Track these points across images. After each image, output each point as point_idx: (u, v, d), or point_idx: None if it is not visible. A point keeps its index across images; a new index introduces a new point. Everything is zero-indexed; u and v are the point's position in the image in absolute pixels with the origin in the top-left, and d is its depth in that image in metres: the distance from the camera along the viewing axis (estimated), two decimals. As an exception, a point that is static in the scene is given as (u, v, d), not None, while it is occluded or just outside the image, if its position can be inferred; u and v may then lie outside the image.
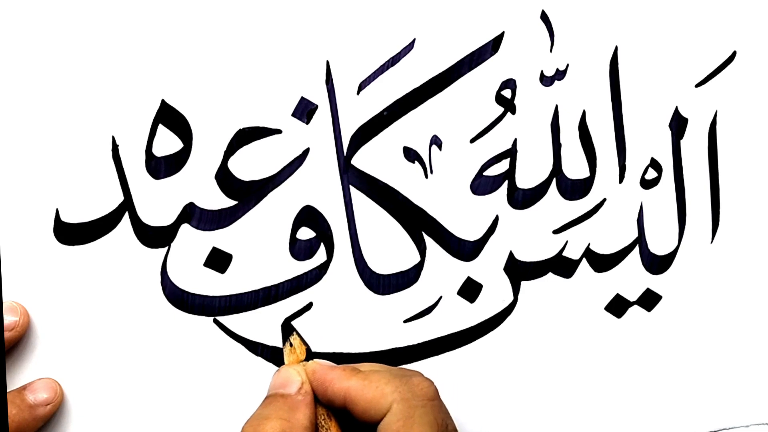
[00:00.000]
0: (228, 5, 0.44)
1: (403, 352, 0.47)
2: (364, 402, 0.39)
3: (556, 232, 0.48)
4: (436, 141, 0.46)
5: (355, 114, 0.45)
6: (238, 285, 0.45)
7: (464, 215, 0.47)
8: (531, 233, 0.48)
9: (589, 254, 0.49)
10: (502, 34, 0.46)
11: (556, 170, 0.48)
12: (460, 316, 0.47)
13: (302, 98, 0.45)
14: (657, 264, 0.50)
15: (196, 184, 0.44)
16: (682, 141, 0.49)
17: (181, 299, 0.44)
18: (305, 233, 0.45)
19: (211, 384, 0.45)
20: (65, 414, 0.44)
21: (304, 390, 0.41)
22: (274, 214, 0.45)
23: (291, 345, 0.44)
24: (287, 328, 0.45)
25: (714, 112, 0.50)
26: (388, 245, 0.46)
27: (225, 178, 0.44)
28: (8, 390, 0.42)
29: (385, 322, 0.46)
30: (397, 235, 0.46)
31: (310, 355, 0.44)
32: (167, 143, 0.44)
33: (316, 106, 0.45)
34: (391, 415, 0.38)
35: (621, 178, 0.49)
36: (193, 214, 0.44)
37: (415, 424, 0.38)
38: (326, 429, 0.41)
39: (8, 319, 0.42)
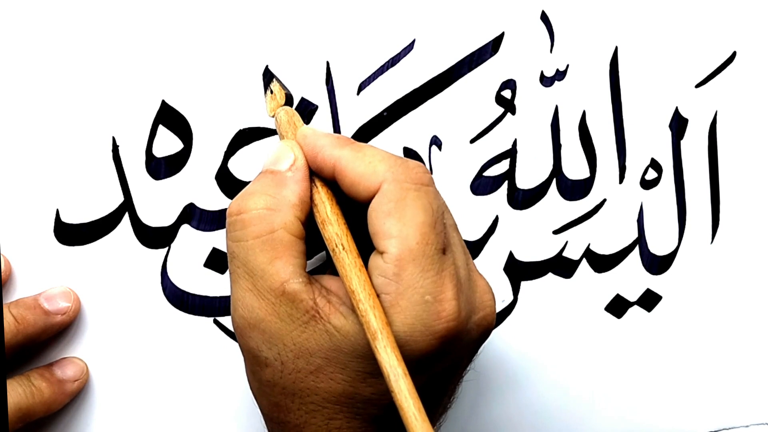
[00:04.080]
0: (228, 6, 0.44)
1: (403, 352, 0.47)
2: (354, 175, 0.36)
3: (556, 232, 0.48)
4: (436, 141, 0.46)
5: (355, 114, 0.45)
6: (238, 285, 0.45)
7: (464, 215, 0.47)
8: (531, 233, 0.48)
9: (589, 254, 0.49)
10: (502, 34, 0.46)
11: (556, 170, 0.48)
12: (460, 316, 0.47)
13: (302, 99, 0.45)
14: (657, 264, 0.50)
15: (196, 184, 0.44)
16: (682, 141, 0.49)
17: (181, 299, 0.44)
18: (305, 233, 0.45)
19: (211, 384, 0.45)
20: (65, 414, 0.44)
21: (295, 166, 0.37)
22: (274, 215, 0.45)
23: (271, 92, 0.42)
24: (267, 76, 0.43)
25: (714, 113, 0.50)
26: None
27: (225, 179, 0.44)
28: (37, 366, 0.43)
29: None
30: (397, 236, 0.46)
31: (290, 100, 0.41)
32: (167, 143, 0.44)
33: (317, 107, 0.45)
34: (382, 196, 0.35)
35: (621, 179, 0.49)
36: (193, 215, 0.44)
37: (407, 206, 0.35)
38: (320, 205, 0.37)
39: (61, 304, 0.42)
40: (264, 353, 0.36)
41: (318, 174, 0.37)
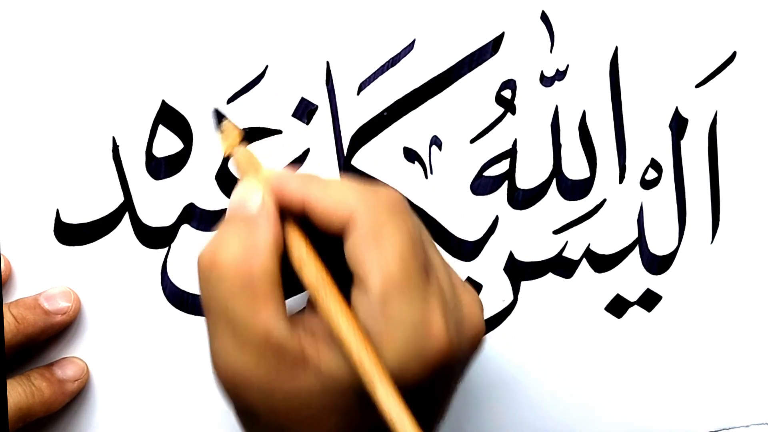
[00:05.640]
0: (228, 6, 0.44)
1: (403, 352, 0.47)
2: (324, 208, 0.34)
3: (556, 232, 0.48)
4: (436, 141, 0.46)
5: (355, 114, 0.45)
6: (238, 285, 0.45)
7: (464, 215, 0.47)
8: (531, 233, 0.48)
9: (589, 254, 0.49)
10: (502, 34, 0.46)
11: (556, 170, 0.48)
12: (460, 316, 0.47)
13: (302, 99, 0.45)
14: (657, 264, 0.50)
15: (196, 184, 0.44)
16: (682, 141, 0.49)
17: (181, 299, 0.44)
18: (305, 233, 0.45)
19: (211, 384, 0.45)
20: (65, 413, 0.44)
21: (264, 207, 0.35)
22: (274, 215, 0.45)
23: (223, 132, 0.40)
24: (217, 115, 0.41)
25: (714, 113, 0.50)
26: (388, 245, 0.46)
27: (225, 179, 0.44)
28: (37, 366, 0.43)
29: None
30: (397, 236, 0.46)
31: (246, 138, 0.40)
32: (167, 143, 0.44)
33: (317, 107, 0.45)
34: (356, 227, 0.33)
35: (621, 179, 0.49)
36: (193, 215, 0.44)
37: (384, 235, 0.33)
38: (295, 245, 0.35)
39: (61, 304, 0.42)
40: (253, 407, 0.35)
41: (287, 212, 0.35)
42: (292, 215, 0.35)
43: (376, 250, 0.33)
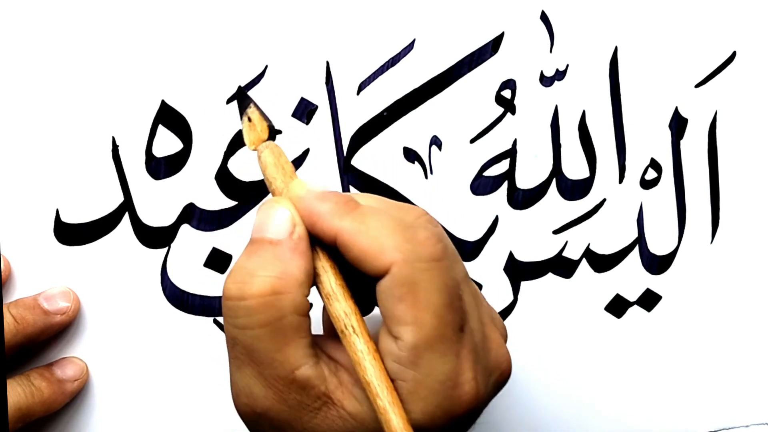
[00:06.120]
0: (228, 6, 0.44)
1: (403, 352, 0.47)
2: (359, 251, 0.32)
3: (556, 232, 0.48)
4: (436, 141, 0.46)
5: (355, 114, 0.45)
6: (238, 285, 0.45)
7: (464, 215, 0.47)
8: (531, 233, 0.48)
9: (589, 254, 0.49)
10: (502, 34, 0.46)
11: (556, 170, 0.48)
12: (460, 316, 0.47)
13: (302, 99, 0.45)
14: (657, 264, 0.50)
15: (196, 184, 0.44)
16: (682, 141, 0.49)
17: (181, 299, 0.44)
18: (305, 233, 0.45)
19: (211, 384, 0.45)
20: (65, 413, 0.44)
21: (297, 233, 0.33)
22: (274, 215, 0.45)
23: (249, 120, 0.35)
24: (243, 98, 0.37)
25: (714, 112, 0.50)
26: (388, 245, 0.46)
27: (225, 179, 0.44)
28: (36, 366, 0.43)
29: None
30: (397, 236, 0.46)
31: (273, 132, 0.36)
32: (167, 143, 0.44)
33: (316, 107, 0.45)
34: (392, 279, 0.31)
35: (621, 178, 0.49)
36: (193, 215, 0.44)
37: (420, 290, 0.31)
38: (324, 276, 0.33)
39: (61, 304, 0.42)
40: None
41: (317, 239, 0.33)
42: (322, 243, 0.33)
43: (411, 304, 0.32)
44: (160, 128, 0.44)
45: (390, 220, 0.33)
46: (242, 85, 0.41)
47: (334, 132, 0.45)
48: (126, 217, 0.44)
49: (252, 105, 0.36)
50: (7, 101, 0.42)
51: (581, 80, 0.48)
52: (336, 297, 0.33)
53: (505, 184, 0.47)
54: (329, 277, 0.33)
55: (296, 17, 0.44)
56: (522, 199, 0.48)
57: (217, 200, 0.44)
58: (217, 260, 0.45)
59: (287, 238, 0.33)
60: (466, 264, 0.47)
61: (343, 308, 0.33)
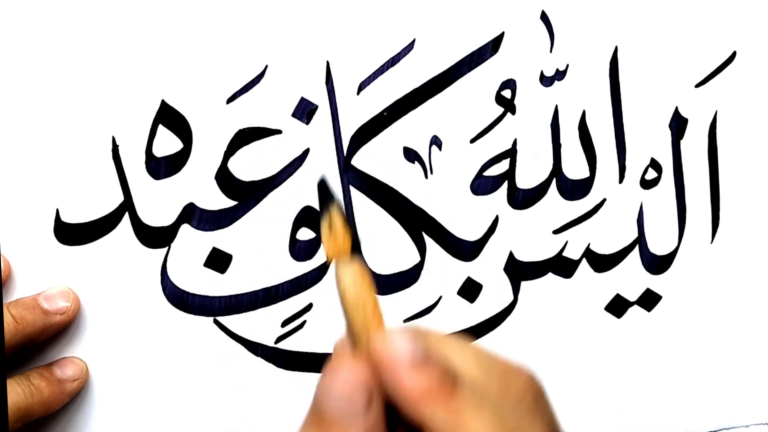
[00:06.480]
0: (228, 5, 0.44)
1: (403, 352, 0.47)
2: None
3: (556, 232, 0.48)
4: (436, 141, 0.46)
5: (355, 114, 0.45)
6: (238, 285, 0.45)
7: (464, 215, 0.47)
8: (531, 233, 0.48)
9: (589, 254, 0.49)
10: (502, 34, 0.46)
11: (556, 170, 0.48)
12: (460, 316, 0.47)
13: (302, 98, 0.45)
14: (657, 264, 0.50)
15: (196, 184, 0.44)
16: (682, 141, 0.49)
17: (181, 299, 0.44)
18: (305, 234, 0.45)
19: (211, 384, 0.45)
20: (65, 413, 0.44)
21: (374, 408, 0.26)
22: (274, 215, 0.45)
23: (330, 223, 0.29)
24: (324, 191, 0.30)
25: (714, 112, 0.50)
26: (388, 245, 0.46)
27: (225, 179, 0.44)
28: (36, 366, 0.43)
29: (385, 322, 0.46)
30: (397, 235, 0.46)
31: (357, 244, 0.31)
32: (167, 143, 0.44)
33: (316, 107, 0.45)
34: None
35: (621, 178, 0.49)
36: (193, 215, 0.44)
37: None
38: None
39: (60, 304, 0.42)
40: None
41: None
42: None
43: None
44: (160, 128, 0.44)
45: (490, 411, 0.27)
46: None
47: (334, 132, 0.45)
48: (126, 217, 0.44)
49: (335, 206, 0.29)
50: (7, 101, 0.42)
51: (581, 80, 0.48)
52: None
53: (505, 184, 0.47)
54: None
55: (296, 17, 0.44)
56: (522, 199, 0.48)
57: (217, 200, 0.44)
58: (217, 260, 0.44)
59: (365, 412, 0.27)
60: (466, 264, 0.47)
61: None
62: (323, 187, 0.30)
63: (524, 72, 0.47)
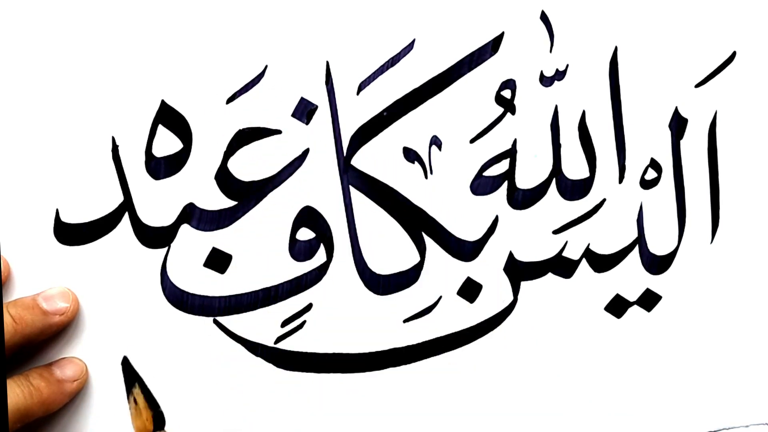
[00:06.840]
0: (228, 5, 0.44)
1: (403, 352, 0.47)
2: None
3: (556, 232, 0.48)
4: (436, 141, 0.46)
5: (355, 114, 0.45)
6: (238, 285, 0.45)
7: (464, 215, 0.47)
8: (531, 233, 0.48)
9: (589, 254, 0.49)
10: (502, 34, 0.46)
11: (556, 170, 0.48)
12: (460, 316, 0.47)
13: (302, 98, 0.45)
14: (657, 264, 0.50)
15: (196, 184, 0.44)
16: (682, 141, 0.49)
17: (181, 299, 0.44)
18: (305, 234, 0.45)
19: (211, 384, 0.45)
20: (64, 414, 0.44)
21: None
22: (273, 215, 0.45)
23: (135, 402, 0.29)
24: (129, 373, 0.29)
25: (714, 112, 0.50)
26: (388, 245, 0.46)
27: (225, 179, 0.44)
28: (35, 366, 0.43)
29: (384, 323, 0.46)
30: (397, 236, 0.46)
31: (160, 421, 0.29)
32: (167, 143, 0.44)
33: (316, 107, 0.45)
34: None
35: (621, 178, 0.49)
36: (193, 215, 0.44)
37: None
38: None
39: (60, 305, 0.42)
40: None
41: None
42: None
43: None
44: (160, 128, 0.44)
45: None
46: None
47: (334, 132, 0.45)
48: (126, 217, 0.44)
49: (137, 386, 0.29)
50: (7, 101, 0.42)
51: (581, 80, 0.48)
52: None
53: (505, 184, 0.47)
54: None
55: (296, 17, 0.44)
56: (522, 199, 0.48)
57: (217, 200, 0.44)
58: (217, 260, 0.45)
59: None
60: (466, 264, 0.47)
61: None
62: (127, 366, 0.29)
63: (524, 72, 0.47)
